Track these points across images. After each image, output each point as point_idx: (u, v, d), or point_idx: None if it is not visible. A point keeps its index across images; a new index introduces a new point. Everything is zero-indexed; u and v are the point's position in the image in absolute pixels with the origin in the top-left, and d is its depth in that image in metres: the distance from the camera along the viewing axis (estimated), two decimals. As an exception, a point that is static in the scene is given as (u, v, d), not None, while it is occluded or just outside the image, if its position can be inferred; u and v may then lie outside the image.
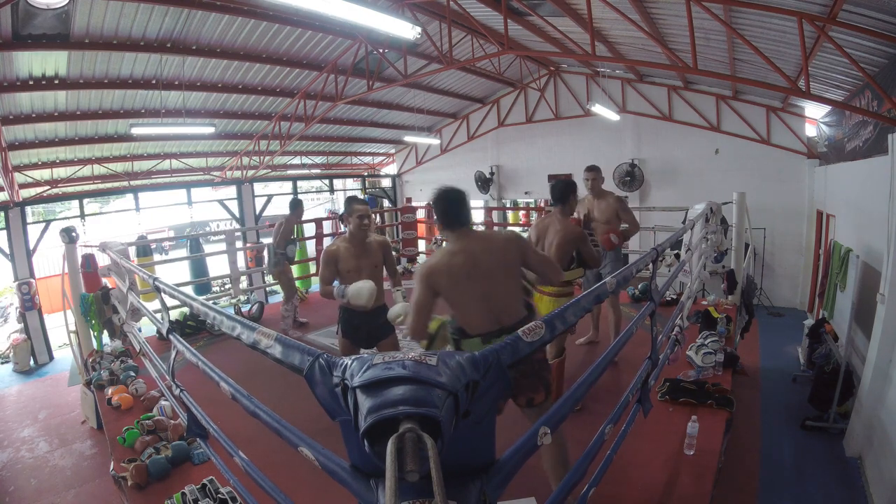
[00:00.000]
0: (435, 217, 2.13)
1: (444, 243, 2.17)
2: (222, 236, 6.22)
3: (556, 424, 1.27)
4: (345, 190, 14.75)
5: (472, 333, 2.07)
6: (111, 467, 2.83)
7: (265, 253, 5.78)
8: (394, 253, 3.64)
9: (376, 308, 3.01)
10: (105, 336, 4.83)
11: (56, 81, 5.97)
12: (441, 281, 2.03)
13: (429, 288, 2.04)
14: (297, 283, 7.71)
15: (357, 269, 2.95)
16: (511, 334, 1.88)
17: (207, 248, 9.63)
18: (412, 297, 2.08)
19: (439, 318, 2.15)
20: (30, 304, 7.89)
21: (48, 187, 8.64)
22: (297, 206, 5.44)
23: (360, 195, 14.15)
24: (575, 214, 3.60)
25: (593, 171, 3.93)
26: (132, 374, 3.98)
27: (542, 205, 11.09)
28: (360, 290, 2.73)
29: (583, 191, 3.78)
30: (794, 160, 8.39)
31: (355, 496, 1.00)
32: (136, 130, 6.78)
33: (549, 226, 3.12)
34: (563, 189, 3.08)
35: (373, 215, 3.37)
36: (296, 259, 5.71)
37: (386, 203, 13.94)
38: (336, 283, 2.95)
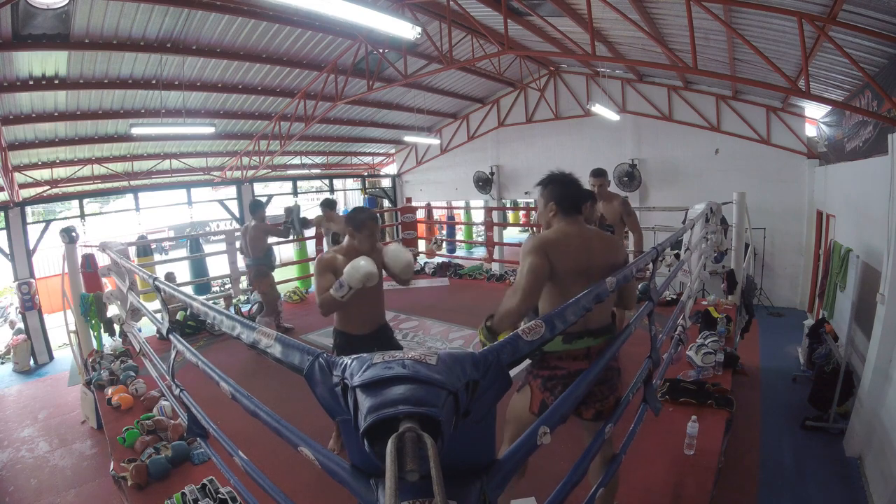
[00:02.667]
0: (546, 200, 1.94)
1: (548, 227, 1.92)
2: (222, 236, 6.19)
3: (555, 424, 1.27)
4: (345, 190, 14.75)
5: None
6: (111, 467, 2.83)
7: (244, 265, 5.22)
8: None
9: (378, 328, 2.73)
10: (105, 336, 4.84)
11: (56, 81, 5.98)
12: (559, 257, 1.78)
13: (546, 260, 1.75)
14: (297, 283, 7.74)
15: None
16: (598, 338, 1.84)
17: (207, 248, 9.64)
18: (518, 277, 1.79)
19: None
20: (30, 304, 7.89)
21: (48, 187, 8.65)
22: (258, 208, 4.98)
23: (361, 195, 14.17)
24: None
25: (600, 176, 3.92)
26: (132, 374, 3.98)
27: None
28: (356, 264, 2.33)
29: None
30: (794, 160, 8.39)
31: (355, 496, 1.00)
32: (136, 130, 6.79)
33: None
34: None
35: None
36: (277, 264, 5.50)
37: (386, 203, 13.95)
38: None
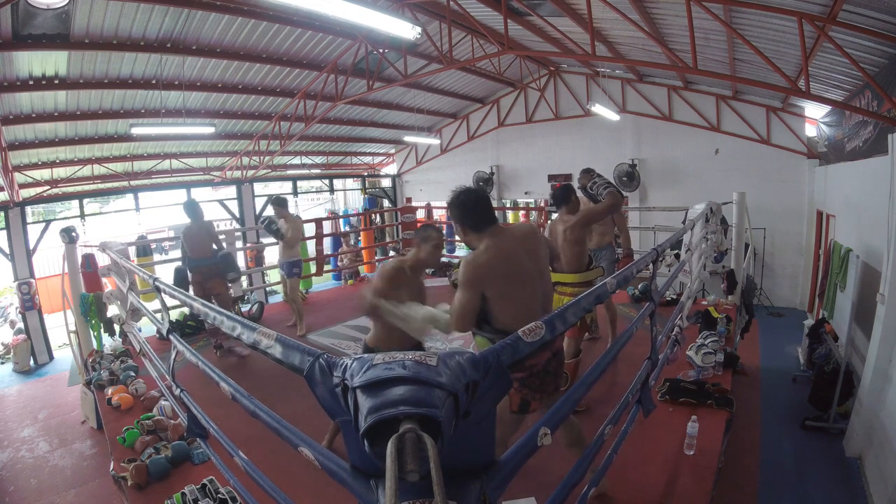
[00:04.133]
0: (458, 222, 2.04)
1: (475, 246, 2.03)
2: (222, 236, 6.20)
3: (556, 424, 1.27)
4: (345, 190, 14.75)
5: (514, 329, 1.94)
6: (111, 467, 2.83)
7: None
8: (393, 254, 3.54)
9: (411, 348, 2.55)
10: (105, 336, 4.84)
11: (56, 81, 5.97)
12: (489, 278, 1.93)
13: (476, 294, 1.93)
14: (301, 284, 7.72)
15: (416, 301, 2.45)
16: None
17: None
18: (457, 299, 1.96)
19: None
20: (30, 304, 7.89)
21: (48, 187, 8.65)
22: (193, 208, 4.62)
23: (361, 195, 14.10)
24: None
25: (587, 174, 3.89)
26: (132, 374, 3.98)
27: (543, 205, 11.09)
28: (417, 328, 2.17)
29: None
30: (794, 160, 8.39)
31: (355, 496, 1.00)
32: (136, 130, 6.79)
33: (556, 226, 3.27)
34: (563, 193, 3.29)
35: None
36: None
37: (386, 203, 13.95)
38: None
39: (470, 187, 2.09)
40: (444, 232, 12.43)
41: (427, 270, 8.12)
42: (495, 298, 1.95)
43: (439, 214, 13.33)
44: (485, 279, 1.93)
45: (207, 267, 4.52)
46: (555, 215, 3.49)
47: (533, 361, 1.97)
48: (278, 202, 5.28)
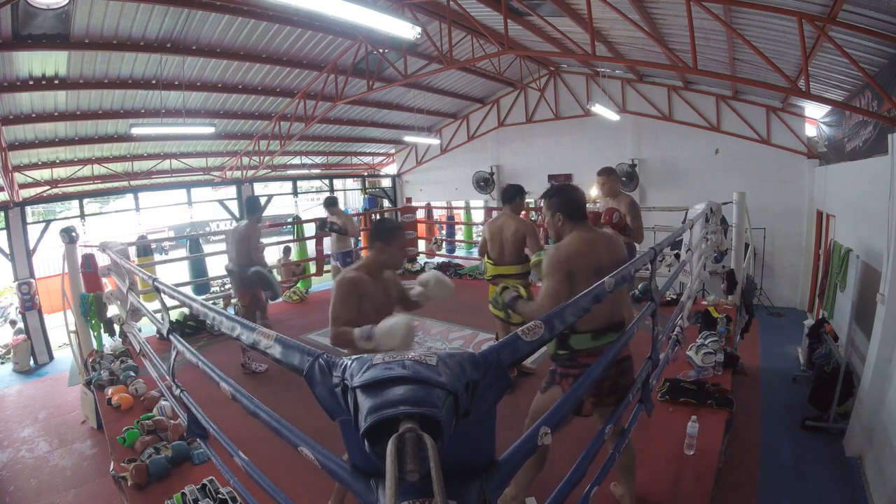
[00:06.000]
0: (560, 209, 2.13)
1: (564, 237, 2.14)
2: (222, 236, 6.21)
3: (556, 424, 1.27)
4: (345, 190, 14.74)
5: (582, 329, 2.01)
6: (111, 467, 2.83)
7: (256, 278, 4.29)
8: None
9: None
10: (105, 336, 4.84)
11: (56, 81, 5.97)
12: (577, 266, 2.01)
13: (566, 281, 1.99)
14: (298, 284, 7.73)
15: (387, 306, 2.28)
16: (617, 332, 2.02)
17: (207, 248, 9.63)
18: (543, 289, 2.02)
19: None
20: (30, 304, 7.89)
21: (48, 187, 8.65)
22: (256, 207, 4.43)
23: (361, 195, 14.12)
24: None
25: (603, 174, 3.93)
26: (132, 374, 3.98)
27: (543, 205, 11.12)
28: (393, 329, 1.89)
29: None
30: (794, 160, 8.39)
31: (355, 496, 1.01)
32: (136, 130, 6.79)
33: (503, 223, 3.64)
34: (511, 192, 3.72)
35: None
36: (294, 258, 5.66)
37: (386, 203, 13.94)
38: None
39: (570, 184, 2.29)
40: (446, 232, 12.34)
41: (427, 271, 8.19)
42: (576, 289, 1.94)
43: (439, 214, 13.36)
44: (571, 262, 2.00)
45: (238, 276, 4.25)
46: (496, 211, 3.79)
47: (586, 361, 1.97)
48: (331, 202, 6.01)
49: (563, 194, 2.16)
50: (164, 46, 5.98)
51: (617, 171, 4.07)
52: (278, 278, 5.88)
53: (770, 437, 4.44)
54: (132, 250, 7.87)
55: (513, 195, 3.72)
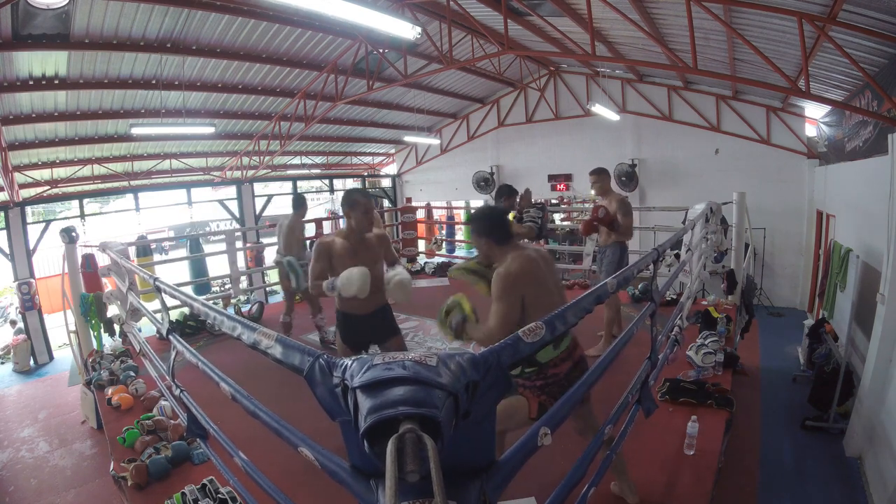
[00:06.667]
0: (485, 236, 2.14)
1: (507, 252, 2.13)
2: (222, 236, 6.20)
3: (556, 425, 1.27)
4: (345, 190, 14.72)
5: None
6: (111, 467, 2.83)
7: (286, 267, 4.70)
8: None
9: (377, 309, 2.80)
10: (105, 336, 4.84)
11: (56, 81, 5.97)
12: (528, 286, 2.01)
13: (519, 299, 1.99)
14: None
15: (354, 266, 2.62)
16: (569, 334, 2.00)
17: (207, 248, 9.64)
18: (494, 312, 2.00)
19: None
20: (30, 304, 7.89)
21: (48, 187, 8.65)
22: (301, 203, 4.87)
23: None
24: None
25: (594, 173, 4.17)
26: (132, 374, 3.98)
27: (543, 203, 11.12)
28: (350, 277, 2.45)
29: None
30: (794, 160, 8.40)
31: (355, 496, 1.00)
32: (136, 130, 6.79)
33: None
34: (506, 191, 4.04)
35: (374, 209, 3.23)
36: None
37: (386, 203, 13.94)
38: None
39: (491, 205, 2.35)
40: (446, 232, 12.32)
41: (427, 271, 8.11)
42: (531, 305, 1.99)
43: (439, 214, 13.36)
44: (522, 284, 1.99)
45: (277, 264, 4.84)
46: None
47: (554, 371, 1.99)
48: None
49: (484, 220, 2.16)
50: (164, 46, 5.98)
51: (609, 171, 4.25)
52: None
53: (770, 437, 4.44)
54: (132, 250, 7.88)
55: (499, 196, 4.02)
